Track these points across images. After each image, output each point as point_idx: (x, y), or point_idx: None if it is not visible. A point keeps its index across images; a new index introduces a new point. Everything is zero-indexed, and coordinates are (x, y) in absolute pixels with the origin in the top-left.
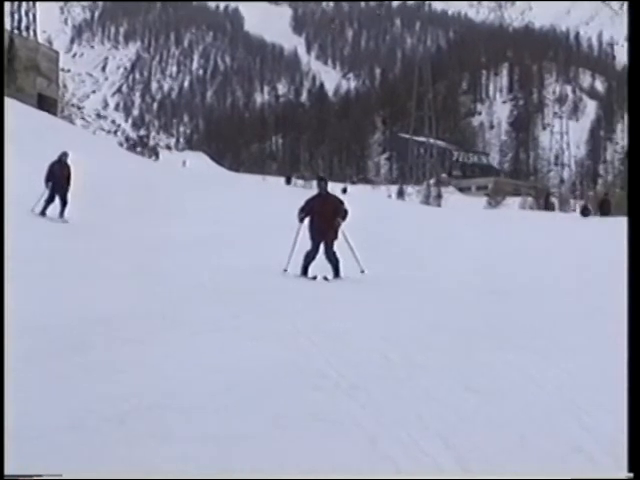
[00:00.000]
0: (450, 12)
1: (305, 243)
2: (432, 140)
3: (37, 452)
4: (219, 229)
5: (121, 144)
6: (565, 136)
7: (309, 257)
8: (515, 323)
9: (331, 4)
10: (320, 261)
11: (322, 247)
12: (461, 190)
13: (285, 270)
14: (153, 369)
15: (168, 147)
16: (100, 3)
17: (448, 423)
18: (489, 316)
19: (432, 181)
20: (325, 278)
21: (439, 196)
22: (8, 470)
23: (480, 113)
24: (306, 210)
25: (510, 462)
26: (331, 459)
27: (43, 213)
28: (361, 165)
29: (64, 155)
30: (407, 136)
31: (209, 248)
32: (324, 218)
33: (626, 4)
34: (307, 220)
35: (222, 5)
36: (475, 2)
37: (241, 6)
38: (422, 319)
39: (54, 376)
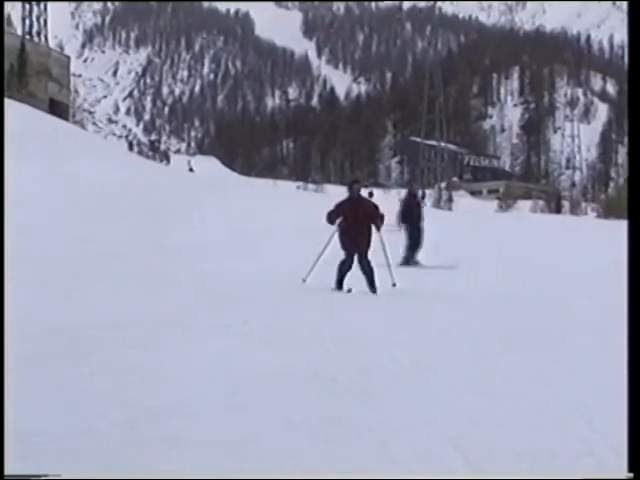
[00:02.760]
0: (461, 16)
1: (329, 252)
2: (443, 144)
3: (46, 457)
4: (231, 234)
5: (131, 146)
6: (576, 139)
7: (343, 268)
8: (526, 326)
9: (342, 8)
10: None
11: (356, 257)
12: (472, 194)
13: (304, 280)
14: (163, 374)
15: (179, 151)
16: (111, 8)
17: (458, 426)
18: (501, 319)
19: (443, 184)
20: (349, 290)
21: (450, 200)
22: (8, 470)
23: (491, 116)
24: (337, 213)
25: (520, 465)
26: (341, 463)
27: None
28: (372, 169)
29: None
30: (418, 140)
31: (220, 253)
32: (357, 225)
33: None
34: (338, 228)
35: (232, 9)
36: (486, 5)
37: (252, 10)
38: (433, 323)
39: (62, 380)
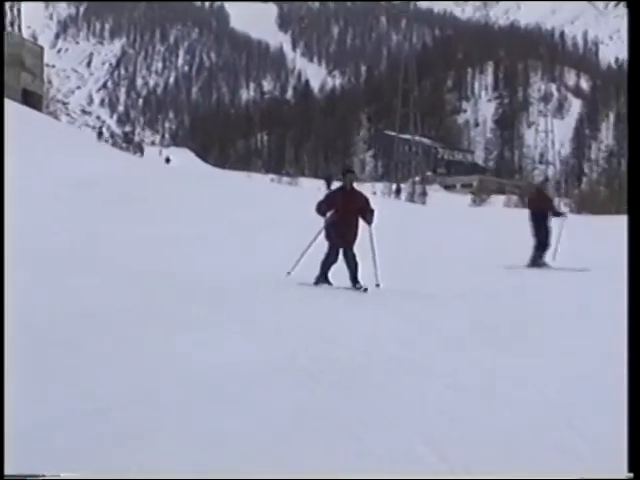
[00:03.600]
0: (436, 10)
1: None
2: (417, 137)
3: (18, 450)
4: (207, 228)
5: (100, 135)
6: (550, 134)
7: (327, 262)
8: (505, 323)
9: (317, 2)
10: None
11: (341, 250)
12: (446, 188)
13: (289, 273)
14: (135, 367)
15: (153, 143)
16: None
17: (434, 422)
18: (475, 316)
19: (417, 178)
20: (365, 289)
21: (424, 194)
22: (8, 470)
23: (465, 111)
24: (328, 204)
25: (496, 462)
26: (316, 458)
27: None
28: (346, 162)
29: None
30: (392, 133)
31: (195, 245)
32: (346, 217)
33: (611, 4)
34: (325, 217)
35: (208, 2)
36: (461, 1)
37: (227, 3)
38: (410, 319)
39: (37, 372)
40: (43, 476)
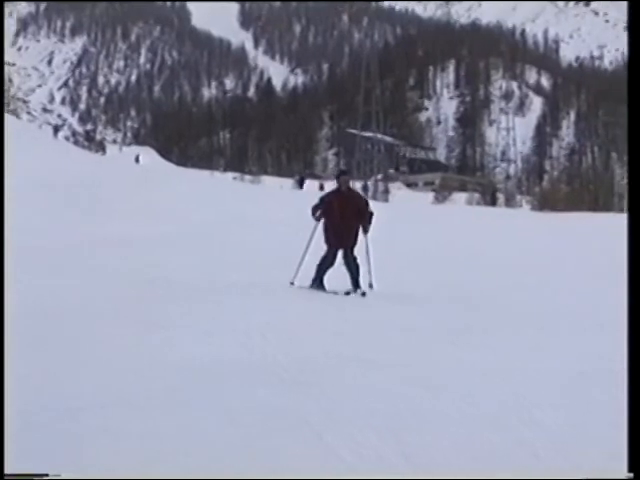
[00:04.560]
0: (397, 8)
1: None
2: (380, 135)
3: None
4: (169, 226)
5: (56, 131)
6: (511, 132)
7: (324, 265)
8: (466, 321)
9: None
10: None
11: (340, 253)
12: (408, 185)
13: (292, 283)
14: (105, 366)
15: (115, 141)
16: None
17: (396, 418)
18: (441, 314)
19: (379, 176)
20: (362, 293)
21: (386, 191)
22: (8, 470)
23: (427, 109)
24: (323, 208)
25: (459, 457)
26: (278, 455)
27: None
28: (308, 160)
29: None
30: (355, 131)
31: (160, 245)
32: (344, 220)
33: (571, 3)
34: (322, 221)
35: (169, 1)
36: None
37: (188, 1)
38: (374, 317)
39: (7, 373)
40: (43, 476)
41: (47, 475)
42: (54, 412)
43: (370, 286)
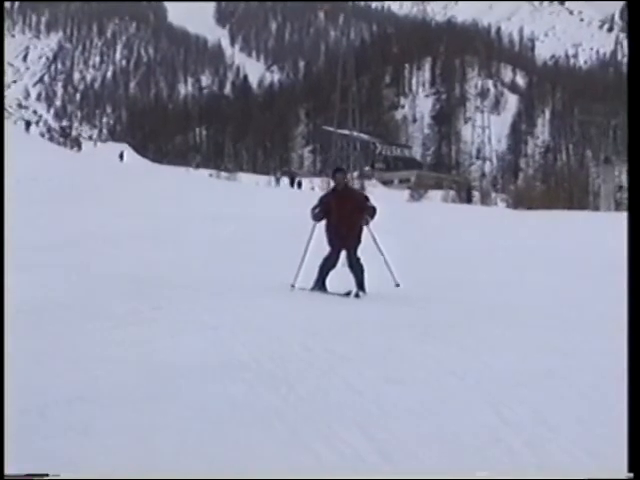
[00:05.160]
0: (373, 6)
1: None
2: (356, 133)
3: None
4: (145, 222)
5: (28, 126)
6: (487, 130)
7: (326, 266)
8: (437, 318)
9: None
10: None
11: (343, 254)
12: (384, 183)
13: (293, 286)
14: (73, 361)
15: (91, 138)
16: None
17: (368, 414)
18: (412, 311)
19: (355, 174)
20: (356, 295)
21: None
22: (8, 470)
23: (403, 106)
24: (321, 208)
25: (429, 453)
26: (252, 450)
27: None
28: (285, 157)
29: None
30: (331, 129)
31: (136, 240)
32: (343, 218)
33: (546, 2)
34: (324, 223)
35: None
36: None
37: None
38: (345, 314)
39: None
40: (43, 476)
41: (47, 475)
42: (19, 407)
43: (396, 285)
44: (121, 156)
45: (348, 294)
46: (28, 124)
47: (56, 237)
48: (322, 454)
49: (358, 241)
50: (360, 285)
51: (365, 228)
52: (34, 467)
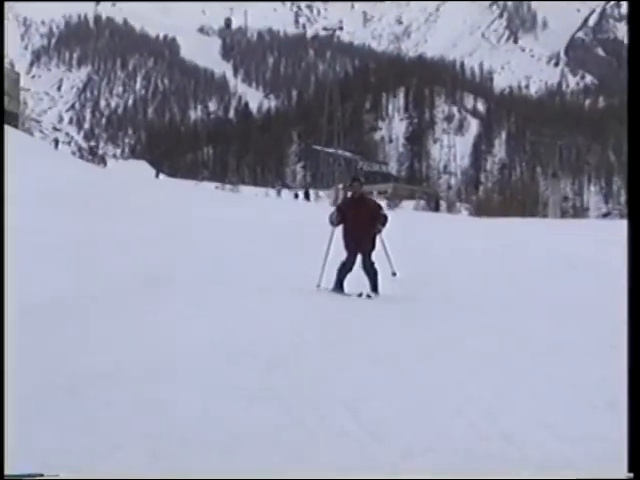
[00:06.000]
0: (356, 43)
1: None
2: (340, 151)
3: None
4: (162, 226)
5: (57, 145)
6: (452, 149)
7: (344, 269)
8: (416, 308)
9: (255, 35)
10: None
11: (359, 258)
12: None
13: (318, 286)
14: (99, 346)
15: (115, 156)
16: (56, 32)
17: (354, 392)
18: (395, 302)
19: (340, 186)
20: (368, 295)
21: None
22: (8, 470)
23: (381, 129)
24: (339, 215)
25: (406, 425)
26: (250, 424)
27: None
28: (280, 172)
29: None
30: (319, 148)
31: (155, 242)
32: (359, 225)
33: (502, 39)
34: (341, 227)
35: (162, 35)
36: (377, 35)
37: (178, 36)
38: (336, 305)
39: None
40: (43, 476)
41: (46, 475)
42: (53, 385)
43: (393, 274)
44: (157, 175)
45: (360, 295)
46: (57, 142)
47: (83, 240)
48: (312, 428)
49: (372, 246)
50: (374, 287)
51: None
52: (34, 467)
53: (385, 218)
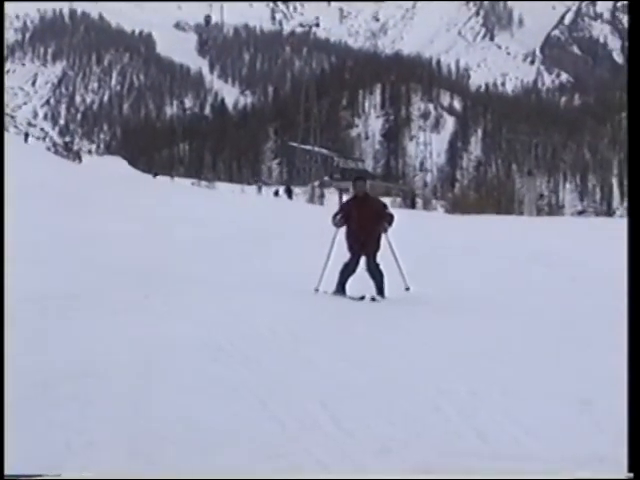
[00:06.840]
0: (332, 40)
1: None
2: (317, 148)
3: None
4: (140, 224)
5: (26, 138)
6: (428, 146)
7: (347, 271)
8: (387, 306)
9: (231, 31)
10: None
11: (363, 260)
12: (341, 191)
13: (317, 290)
14: (76, 342)
15: (90, 152)
16: (31, 26)
17: (326, 388)
18: (374, 304)
19: (316, 183)
20: (372, 298)
21: (322, 196)
22: (8, 470)
23: (357, 126)
24: (342, 215)
25: (378, 421)
26: (225, 419)
27: None
28: (256, 169)
29: None
30: (295, 144)
31: (131, 240)
32: (363, 225)
33: (479, 37)
34: (344, 228)
35: (137, 31)
36: (353, 31)
37: (153, 31)
38: (307, 303)
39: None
40: (43, 476)
41: (46, 475)
42: (28, 381)
43: (406, 289)
44: (155, 174)
45: (362, 298)
46: (27, 135)
47: (60, 236)
48: (286, 422)
49: (377, 247)
50: (380, 290)
51: (383, 235)
52: (34, 466)
53: (391, 217)
